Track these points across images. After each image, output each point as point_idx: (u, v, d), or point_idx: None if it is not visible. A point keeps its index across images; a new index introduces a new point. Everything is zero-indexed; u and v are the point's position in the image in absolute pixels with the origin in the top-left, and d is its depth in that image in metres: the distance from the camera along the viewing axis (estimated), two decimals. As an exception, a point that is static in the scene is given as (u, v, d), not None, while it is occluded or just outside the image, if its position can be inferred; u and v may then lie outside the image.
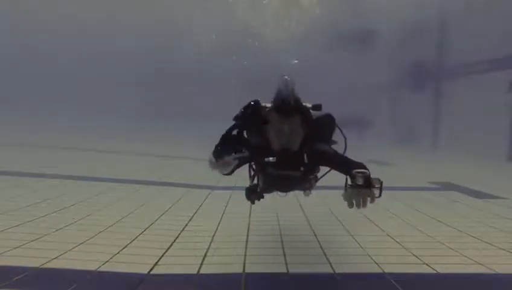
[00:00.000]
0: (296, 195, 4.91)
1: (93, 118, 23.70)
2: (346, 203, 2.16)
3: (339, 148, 2.81)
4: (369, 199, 2.14)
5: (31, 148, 11.21)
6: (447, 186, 6.80)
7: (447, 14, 18.12)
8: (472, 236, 3.64)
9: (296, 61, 2.78)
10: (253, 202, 2.77)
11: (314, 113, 2.73)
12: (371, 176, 2.21)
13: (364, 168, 2.31)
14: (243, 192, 3.06)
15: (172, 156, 11.27)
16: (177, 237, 3.45)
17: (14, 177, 6.12)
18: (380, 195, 2.17)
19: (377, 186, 2.16)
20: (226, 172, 2.50)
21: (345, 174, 2.36)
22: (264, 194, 3.05)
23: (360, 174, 2.17)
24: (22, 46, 26.76)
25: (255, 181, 2.85)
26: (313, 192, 3.25)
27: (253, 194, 2.75)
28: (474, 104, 14.33)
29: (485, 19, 13.95)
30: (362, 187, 2.13)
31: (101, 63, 27.28)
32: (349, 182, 2.23)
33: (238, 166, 2.56)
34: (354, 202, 2.13)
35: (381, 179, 2.17)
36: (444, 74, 18.55)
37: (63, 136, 15.69)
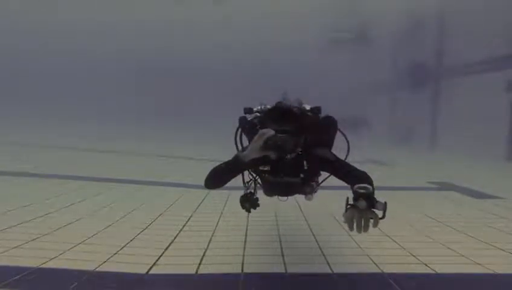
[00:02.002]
0: (294, 195, 4.91)
1: (93, 118, 23.70)
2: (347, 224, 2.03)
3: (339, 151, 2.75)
4: (371, 221, 1.97)
5: (31, 148, 11.21)
6: (446, 186, 6.81)
7: (446, 13, 18.12)
8: (471, 236, 3.64)
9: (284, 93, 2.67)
10: (248, 211, 2.66)
11: (314, 117, 2.65)
12: (374, 187, 2.06)
13: (367, 179, 2.20)
14: (241, 192, 3.04)
15: (172, 156, 11.27)
16: (176, 237, 3.45)
17: (13, 177, 6.12)
18: (383, 216, 1.99)
19: (380, 209, 1.98)
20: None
21: (346, 183, 2.28)
22: (265, 197, 2.99)
23: (362, 191, 2.00)
24: (22, 46, 26.75)
25: (251, 188, 2.75)
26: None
27: (247, 202, 2.65)
28: (473, 104, 14.34)
29: (484, 18, 13.96)
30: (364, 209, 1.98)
31: (101, 64, 27.29)
32: (350, 200, 2.06)
33: (233, 178, 2.52)
34: (355, 225, 1.98)
35: (385, 202, 1.99)
36: (443, 73, 18.56)
37: (63, 136, 15.70)
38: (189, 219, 4.12)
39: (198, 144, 15.45)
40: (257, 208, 2.69)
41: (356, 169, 2.37)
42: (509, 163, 12.65)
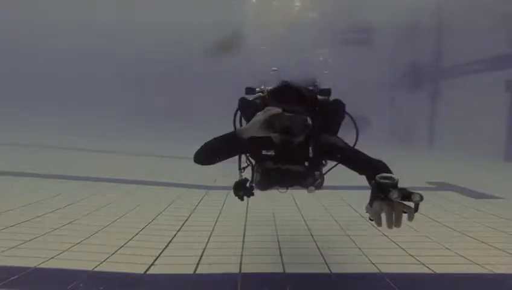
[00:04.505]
0: (292, 194, 4.92)
1: (93, 119, 23.68)
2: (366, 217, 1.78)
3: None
4: (405, 215, 1.66)
5: (31, 148, 11.20)
6: (445, 186, 6.81)
7: (446, 12, 18.12)
8: (469, 236, 3.64)
9: (274, 69, 2.55)
10: (241, 199, 2.43)
11: (322, 99, 2.41)
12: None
13: (386, 168, 1.93)
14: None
15: (170, 156, 11.26)
16: (174, 237, 3.45)
17: (13, 177, 6.12)
18: (416, 209, 1.67)
19: (417, 201, 1.63)
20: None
21: (359, 173, 2.06)
22: (262, 190, 2.76)
23: (387, 181, 1.69)
24: (21, 45, 26.74)
25: (246, 175, 2.53)
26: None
27: (241, 190, 2.42)
28: (472, 104, 14.35)
29: (483, 18, 13.96)
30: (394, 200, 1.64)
31: (101, 63, 27.26)
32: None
33: (227, 157, 2.26)
34: (384, 219, 1.67)
35: (420, 193, 1.64)
36: (442, 73, 18.56)
37: (63, 136, 15.69)
38: (187, 218, 4.12)
39: (196, 143, 15.42)
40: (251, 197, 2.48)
41: (370, 157, 2.09)
42: (508, 163, 12.64)
